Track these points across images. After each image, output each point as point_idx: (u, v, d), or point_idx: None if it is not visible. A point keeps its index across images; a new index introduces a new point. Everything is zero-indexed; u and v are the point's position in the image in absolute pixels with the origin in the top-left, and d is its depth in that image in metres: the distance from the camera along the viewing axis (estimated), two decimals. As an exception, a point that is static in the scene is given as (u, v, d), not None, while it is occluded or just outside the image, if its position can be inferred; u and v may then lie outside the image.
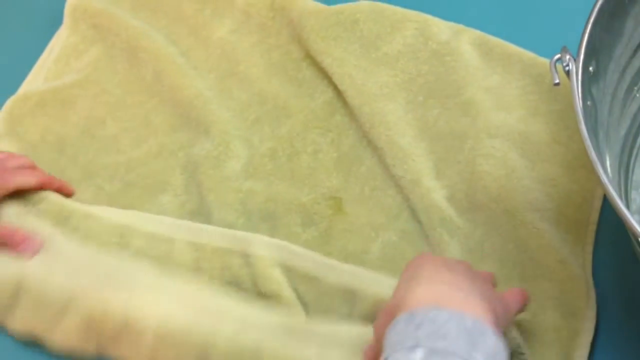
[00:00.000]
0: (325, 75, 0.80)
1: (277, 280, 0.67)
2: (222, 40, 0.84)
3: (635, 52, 0.64)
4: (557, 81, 0.59)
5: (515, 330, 0.63)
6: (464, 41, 0.78)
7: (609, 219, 0.69)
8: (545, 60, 0.75)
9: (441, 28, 0.80)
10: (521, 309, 0.61)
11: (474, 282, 0.55)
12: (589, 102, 0.57)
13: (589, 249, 0.68)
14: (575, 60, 0.57)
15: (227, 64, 0.83)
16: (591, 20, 0.57)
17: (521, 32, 0.78)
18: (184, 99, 0.80)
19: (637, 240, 0.50)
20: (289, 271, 0.68)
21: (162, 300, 0.67)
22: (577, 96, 0.55)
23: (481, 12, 0.81)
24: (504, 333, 0.59)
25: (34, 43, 0.87)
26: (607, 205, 0.69)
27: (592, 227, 0.69)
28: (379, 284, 0.66)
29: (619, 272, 0.67)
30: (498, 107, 0.75)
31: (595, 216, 0.69)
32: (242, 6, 0.85)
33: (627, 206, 0.65)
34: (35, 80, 0.85)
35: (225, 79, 0.82)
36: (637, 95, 0.67)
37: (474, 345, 0.48)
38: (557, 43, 0.59)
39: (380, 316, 0.57)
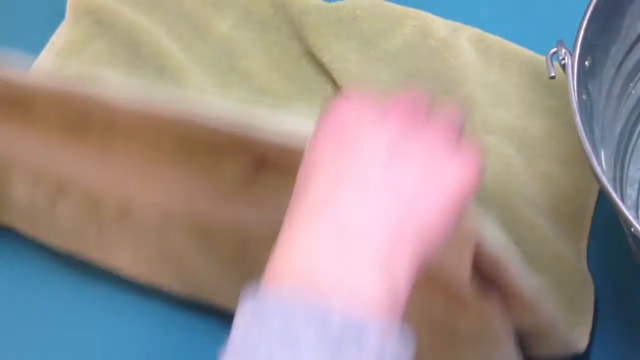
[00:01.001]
0: (324, 72, 0.80)
1: None
2: (223, 37, 0.84)
3: (631, 49, 0.65)
4: (552, 74, 0.59)
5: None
6: (462, 39, 0.79)
7: (603, 216, 0.69)
8: (542, 58, 0.75)
9: (440, 25, 0.80)
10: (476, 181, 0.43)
11: (402, 163, 0.41)
12: (584, 97, 0.57)
13: (584, 244, 0.68)
14: (571, 54, 0.57)
15: (227, 60, 0.83)
16: (587, 16, 0.58)
17: (519, 28, 0.79)
18: (186, 93, 0.80)
19: (632, 233, 0.51)
20: None
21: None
22: (572, 89, 0.55)
23: (480, 7, 0.81)
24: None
25: (36, 38, 0.87)
26: (601, 201, 0.70)
27: (587, 223, 0.69)
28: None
29: (612, 267, 0.68)
30: (496, 103, 0.75)
31: (590, 212, 0.69)
32: (244, 3, 0.85)
33: (622, 202, 0.65)
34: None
35: (225, 74, 0.82)
36: (633, 92, 0.67)
37: None
38: (554, 38, 0.60)
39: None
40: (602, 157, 0.61)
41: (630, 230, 0.49)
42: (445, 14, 0.81)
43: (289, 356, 0.35)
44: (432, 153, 0.42)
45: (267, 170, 0.61)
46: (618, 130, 0.67)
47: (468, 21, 0.80)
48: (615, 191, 0.51)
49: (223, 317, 0.64)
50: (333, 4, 0.83)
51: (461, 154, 0.43)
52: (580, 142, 0.52)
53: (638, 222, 0.49)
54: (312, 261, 0.39)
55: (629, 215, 0.48)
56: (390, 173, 0.41)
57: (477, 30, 0.79)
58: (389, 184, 0.40)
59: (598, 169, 0.50)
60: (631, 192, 0.68)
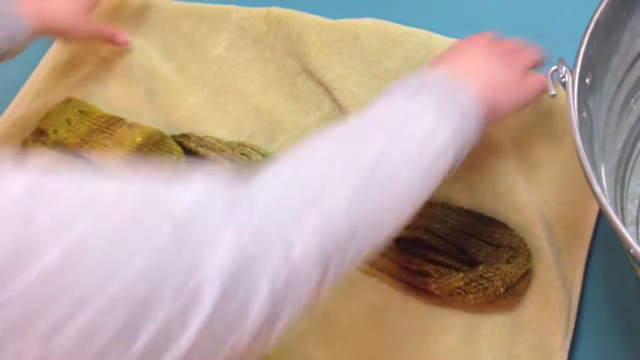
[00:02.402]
0: (321, 90, 0.80)
1: None
2: (219, 56, 0.84)
3: (632, 64, 0.64)
4: (552, 92, 0.59)
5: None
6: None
7: (605, 230, 0.68)
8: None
9: (443, 42, 0.79)
10: (534, 98, 0.65)
11: (494, 62, 0.63)
12: (584, 114, 0.56)
13: (580, 270, 0.67)
14: (571, 72, 0.57)
15: (223, 79, 0.83)
16: (588, 33, 0.57)
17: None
18: (179, 119, 0.80)
19: (630, 250, 0.50)
20: None
21: None
22: (572, 106, 0.54)
23: (481, 25, 0.80)
24: None
25: (28, 60, 0.87)
26: (603, 219, 0.69)
27: (584, 250, 0.67)
28: None
29: (613, 281, 0.67)
30: (496, 126, 0.74)
31: (587, 238, 0.68)
32: (237, 21, 0.85)
33: (623, 218, 0.64)
34: (26, 96, 0.86)
35: (221, 94, 0.82)
36: (634, 107, 0.66)
37: (451, 96, 0.57)
38: (555, 56, 0.59)
39: None
40: (602, 174, 0.60)
41: (630, 251, 0.48)
42: (447, 32, 0.80)
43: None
44: (513, 71, 0.64)
45: None
46: (619, 146, 0.66)
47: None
48: (616, 208, 0.50)
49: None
50: (336, 22, 0.82)
51: (529, 80, 0.64)
52: (580, 161, 0.51)
53: (637, 242, 0.48)
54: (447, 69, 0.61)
55: (628, 237, 0.47)
56: (488, 66, 0.63)
57: (480, 49, 0.78)
58: (487, 68, 0.62)
59: (598, 189, 0.49)
60: (631, 208, 0.67)
